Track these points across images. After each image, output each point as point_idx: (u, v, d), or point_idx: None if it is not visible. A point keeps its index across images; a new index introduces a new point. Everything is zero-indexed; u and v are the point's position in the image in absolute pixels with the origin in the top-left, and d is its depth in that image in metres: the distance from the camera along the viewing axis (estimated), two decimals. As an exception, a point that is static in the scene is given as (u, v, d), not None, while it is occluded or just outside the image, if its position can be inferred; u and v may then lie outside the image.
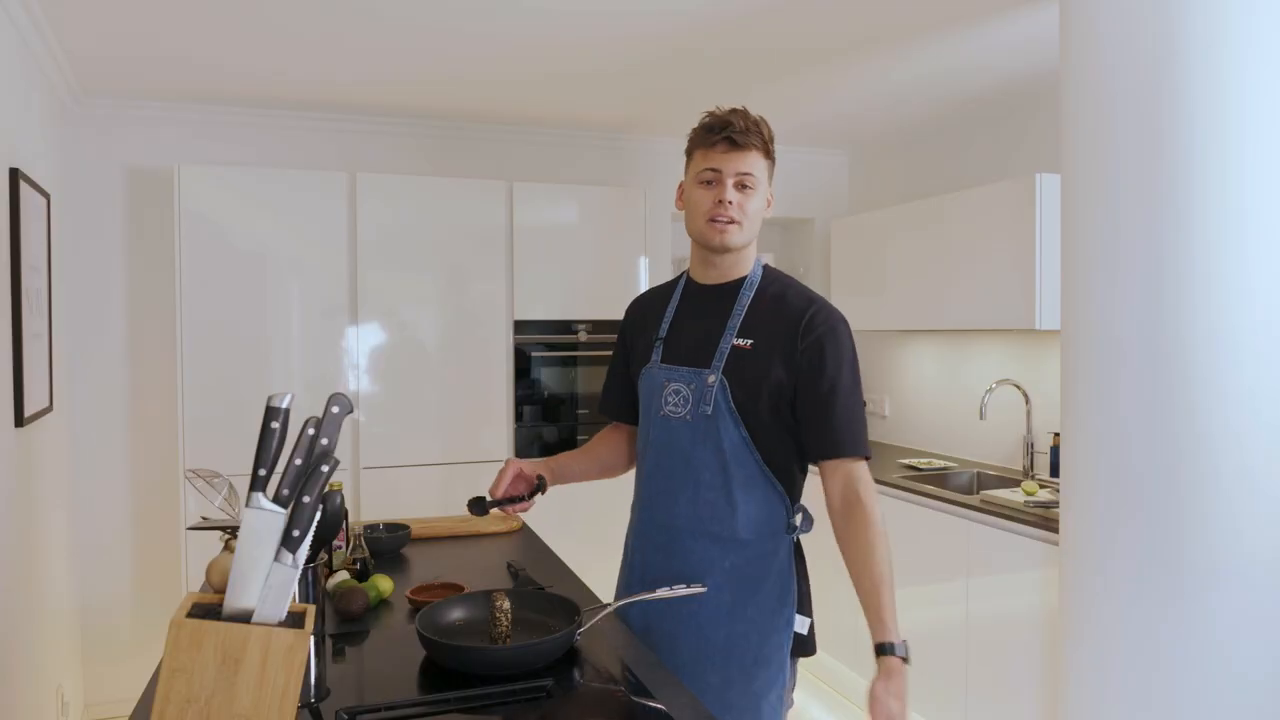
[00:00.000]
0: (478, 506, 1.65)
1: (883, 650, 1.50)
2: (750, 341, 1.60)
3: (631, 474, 1.83)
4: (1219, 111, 1.77)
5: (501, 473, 1.68)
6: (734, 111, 1.61)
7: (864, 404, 1.63)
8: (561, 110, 3.66)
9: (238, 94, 3.37)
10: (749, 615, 1.60)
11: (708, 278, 1.69)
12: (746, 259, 1.67)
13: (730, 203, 1.58)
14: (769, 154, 1.63)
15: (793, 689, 1.68)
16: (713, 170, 1.59)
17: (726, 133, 1.58)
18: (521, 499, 1.66)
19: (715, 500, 1.60)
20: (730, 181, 1.58)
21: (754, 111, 1.63)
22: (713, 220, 1.59)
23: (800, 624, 1.65)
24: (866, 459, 1.58)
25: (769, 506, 1.61)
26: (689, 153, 1.66)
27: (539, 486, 1.69)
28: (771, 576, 1.62)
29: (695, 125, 1.64)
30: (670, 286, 1.78)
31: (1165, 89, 1.81)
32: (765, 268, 1.69)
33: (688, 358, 1.64)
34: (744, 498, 1.60)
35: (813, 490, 1.71)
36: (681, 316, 1.70)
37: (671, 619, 1.63)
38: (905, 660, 1.48)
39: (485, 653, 1.36)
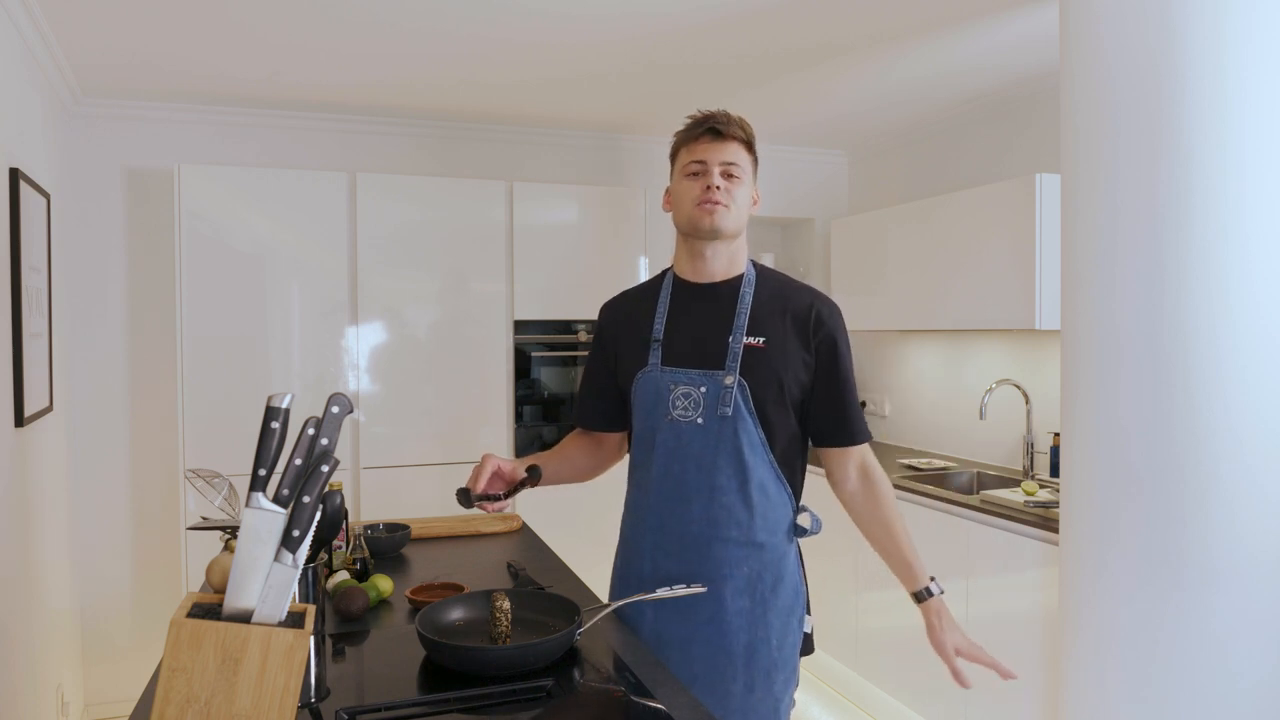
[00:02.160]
0: (463, 497, 1.59)
1: (922, 597, 1.64)
2: (763, 339, 1.59)
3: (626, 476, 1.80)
4: (1219, 111, 1.77)
5: (478, 469, 1.58)
6: (717, 110, 1.65)
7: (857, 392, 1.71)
8: (561, 110, 3.66)
9: (237, 94, 3.37)
10: (768, 621, 1.60)
11: (699, 275, 1.67)
12: (739, 256, 1.67)
13: (718, 187, 1.59)
14: (752, 150, 1.65)
15: (795, 689, 1.68)
16: (698, 162, 1.61)
17: (709, 124, 1.61)
18: (498, 497, 1.59)
19: (732, 504, 1.58)
20: (717, 169, 1.60)
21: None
22: (701, 204, 1.60)
23: (807, 624, 1.65)
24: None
25: (782, 509, 1.62)
26: (674, 154, 1.68)
27: (523, 483, 1.61)
28: (786, 580, 1.62)
29: (678, 130, 1.68)
30: (653, 286, 1.75)
31: (1165, 89, 1.81)
32: (755, 265, 1.70)
33: (694, 359, 1.61)
34: (760, 499, 1.59)
35: (811, 492, 1.71)
36: (676, 316, 1.67)
37: (687, 626, 1.60)
38: (942, 593, 1.65)
39: (485, 653, 1.36)
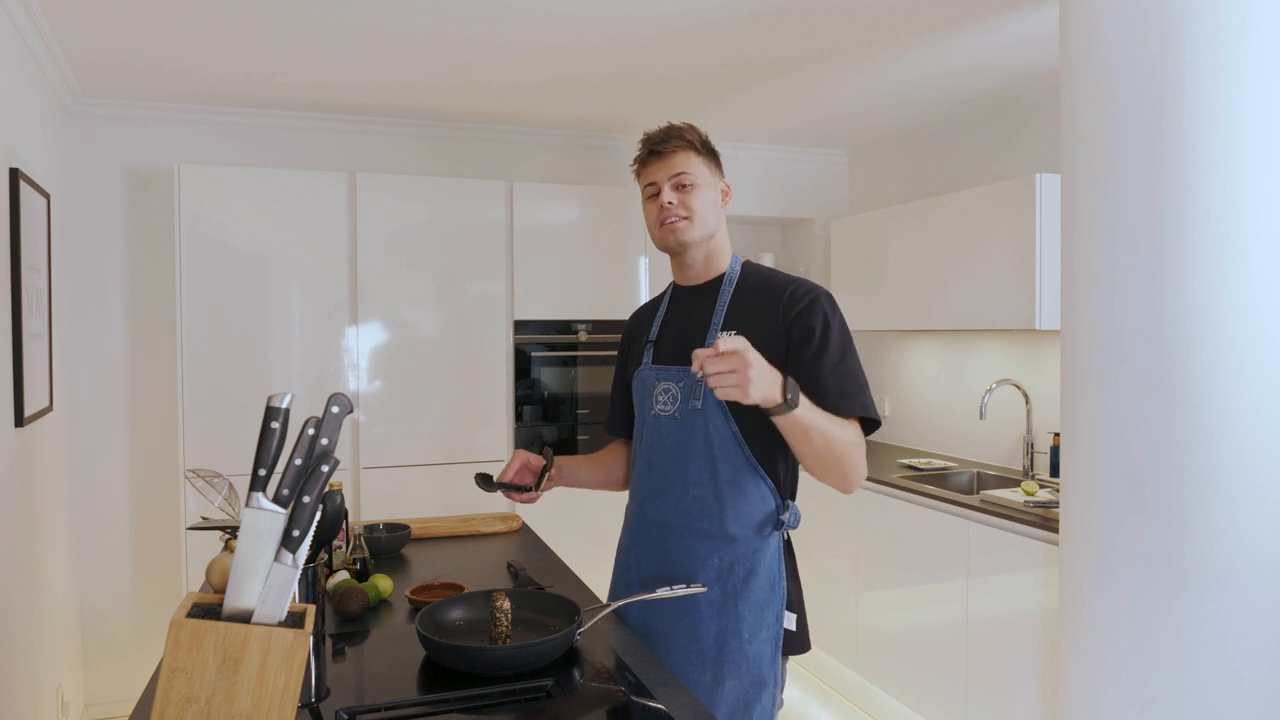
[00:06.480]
0: (484, 482, 1.66)
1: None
2: (733, 333, 1.62)
3: None
4: (1219, 111, 1.77)
5: (509, 464, 1.72)
6: (658, 129, 1.70)
7: (858, 370, 1.57)
8: (562, 111, 3.66)
9: (237, 94, 3.37)
10: (739, 612, 1.60)
11: (687, 279, 1.76)
12: (721, 256, 1.72)
13: (670, 203, 1.65)
14: (701, 151, 1.69)
15: (782, 688, 1.68)
16: (650, 184, 1.69)
17: (648, 146, 1.69)
18: (527, 489, 1.69)
19: (704, 496, 1.61)
20: (667, 185, 1.66)
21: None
22: (661, 225, 1.67)
23: (788, 620, 1.64)
24: (869, 421, 1.55)
25: (758, 502, 1.62)
26: (636, 180, 1.75)
27: (546, 468, 1.71)
28: (761, 573, 1.62)
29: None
30: (662, 295, 1.85)
31: (1165, 89, 1.81)
32: (745, 263, 1.74)
33: (675, 356, 1.68)
34: (732, 493, 1.60)
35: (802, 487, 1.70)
36: (669, 319, 1.76)
37: (667, 618, 1.64)
38: (788, 394, 1.37)
39: (485, 653, 1.36)
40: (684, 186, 1.66)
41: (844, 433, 1.49)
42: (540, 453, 1.74)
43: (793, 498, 1.67)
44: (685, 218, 1.65)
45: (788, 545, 1.69)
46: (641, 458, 1.72)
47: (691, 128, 1.70)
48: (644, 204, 1.72)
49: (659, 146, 1.67)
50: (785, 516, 1.64)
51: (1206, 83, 1.77)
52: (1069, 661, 2.01)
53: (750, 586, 1.61)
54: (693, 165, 1.67)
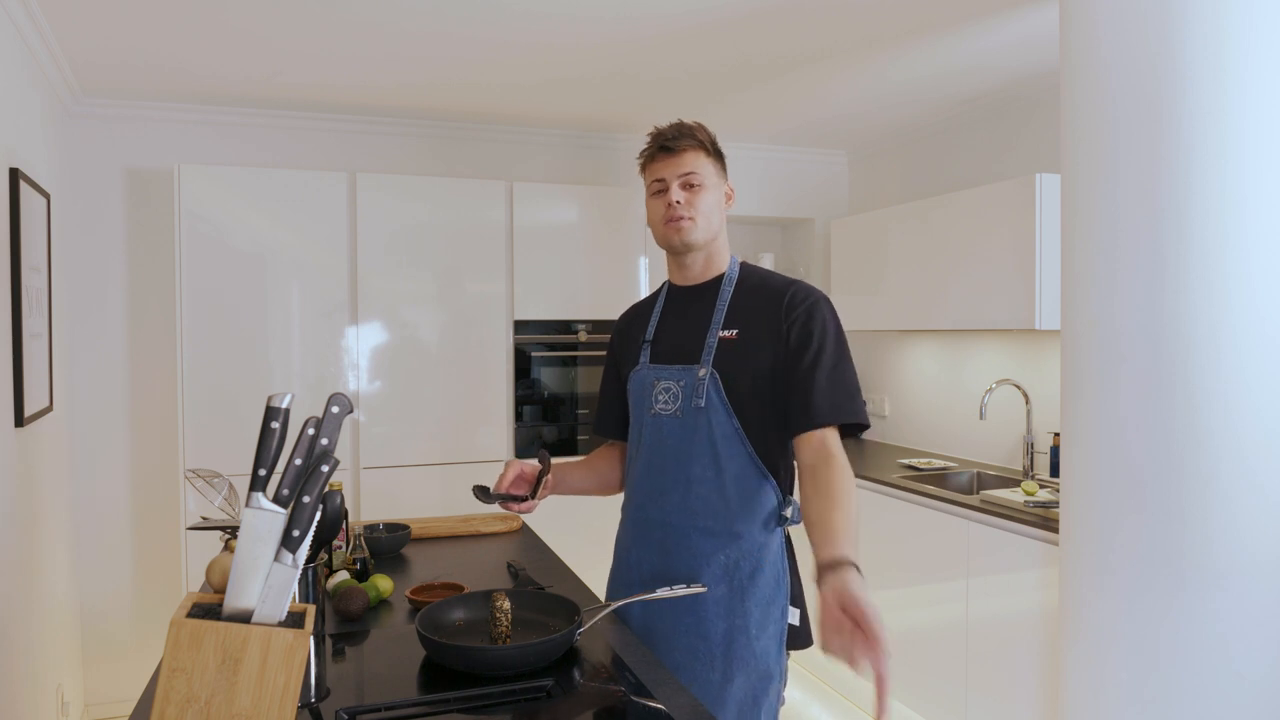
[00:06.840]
0: (482, 494, 1.66)
1: (834, 566, 1.31)
2: (735, 331, 1.64)
3: None
4: (1219, 111, 1.77)
5: (503, 475, 1.70)
6: (669, 125, 1.71)
7: (852, 375, 1.59)
8: (562, 111, 3.66)
9: (237, 94, 3.37)
10: (746, 609, 1.61)
11: (685, 279, 1.76)
12: (720, 256, 1.73)
13: (678, 202, 1.66)
14: (710, 152, 1.70)
15: (785, 684, 1.68)
16: (658, 180, 1.69)
17: (660, 142, 1.69)
18: (523, 498, 1.68)
19: (708, 494, 1.62)
20: (675, 184, 1.66)
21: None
22: (668, 222, 1.67)
23: (792, 615, 1.65)
24: (859, 426, 1.58)
25: (761, 498, 1.62)
26: (641, 173, 1.75)
27: (542, 475, 1.69)
28: (766, 569, 1.62)
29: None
30: (654, 296, 1.85)
31: (1165, 88, 1.81)
32: (742, 264, 1.75)
33: (676, 356, 1.69)
34: (736, 490, 1.61)
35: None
36: (666, 319, 1.76)
37: (671, 618, 1.64)
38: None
39: (485, 653, 1.36)
40: (692, 186, 1.66)
41: (851, 506, 1.45)
42: (537, 456, 1.72)
43: (794, 493, 1.68)
44: (691, 218, 1.66)
45: (789, 540, 1.70)
46: (640, 458, 1.71)
47: (702, 127, 1.70)
48: (649, 199, 1.72)
49: (670, 144, 1.67)
50: (788, 512, 1.65)
51: (1206, 83, 1.77)
52: (1069, 661, 2.01)
53: (756, 582, 1.61)
54: (702, 165, 1.67)
